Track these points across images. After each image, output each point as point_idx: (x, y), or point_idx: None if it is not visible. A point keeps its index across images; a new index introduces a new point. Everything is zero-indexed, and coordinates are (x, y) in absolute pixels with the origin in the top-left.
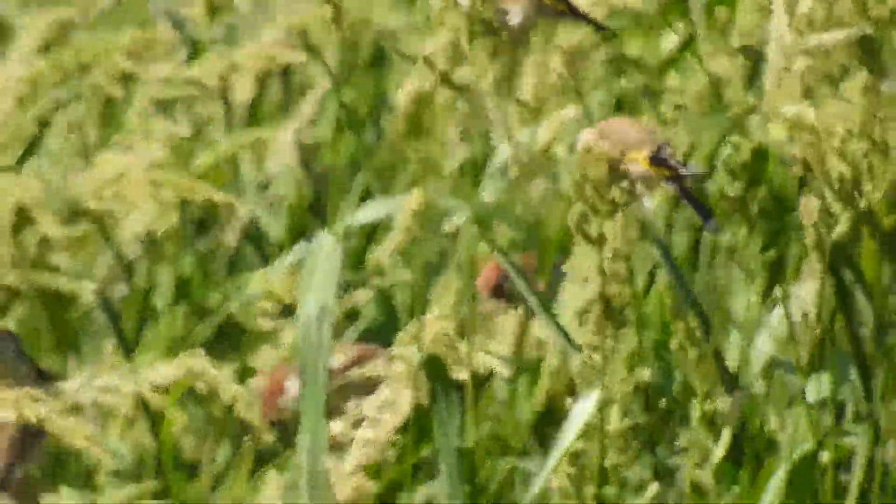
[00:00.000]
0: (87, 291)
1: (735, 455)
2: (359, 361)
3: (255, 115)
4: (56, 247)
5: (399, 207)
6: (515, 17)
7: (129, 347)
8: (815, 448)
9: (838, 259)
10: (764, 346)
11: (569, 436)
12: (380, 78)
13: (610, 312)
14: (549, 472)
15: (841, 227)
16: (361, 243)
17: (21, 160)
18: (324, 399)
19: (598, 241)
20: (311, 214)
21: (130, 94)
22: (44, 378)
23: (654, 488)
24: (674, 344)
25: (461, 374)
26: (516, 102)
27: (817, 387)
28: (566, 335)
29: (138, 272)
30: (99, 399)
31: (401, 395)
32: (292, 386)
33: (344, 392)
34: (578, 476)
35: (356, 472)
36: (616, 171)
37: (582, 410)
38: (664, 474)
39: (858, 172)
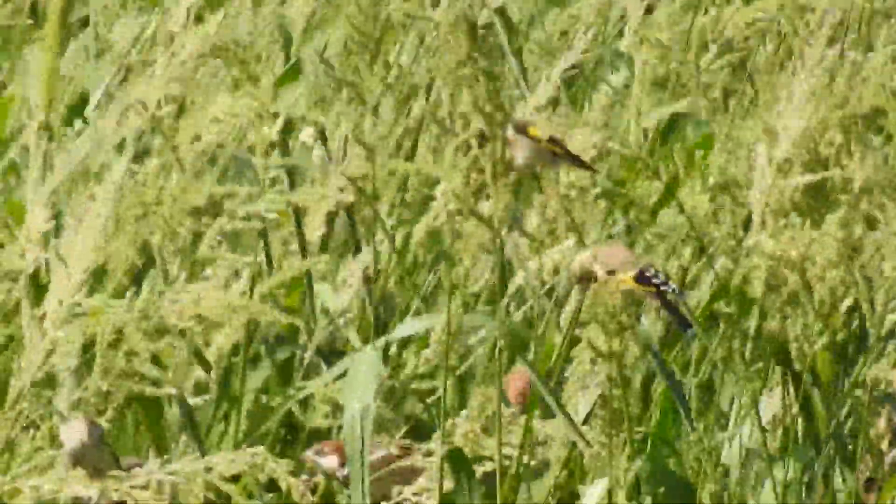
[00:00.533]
0: (167, 395)
1: None
2: (402, 455)
3: (324, 247)
4: (144, 359)
5: (434, 323)
6: (520, 159)
7: (202, 442)
8: None
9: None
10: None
11: None
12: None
13: (614, 414)
14: None
15: (822, 342)
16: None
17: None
18: (366, 477)
19: (610, 356)
20: (374, 329)
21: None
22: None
23: None
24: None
25: (486, 467)
26: (525, 234)
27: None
28: (580, 433)
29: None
30: (170, 480)
31: (434, 483)
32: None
33: (391, 479)
34: None
35: None
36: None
37: (594, 493)
38: None
39: (836, 297)
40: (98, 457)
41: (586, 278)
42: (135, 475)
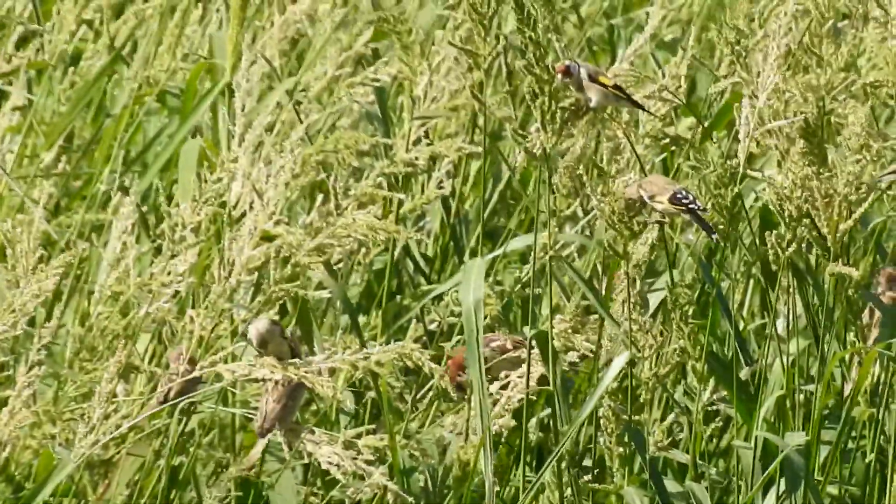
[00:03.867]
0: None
1: None
2: (515, 347)
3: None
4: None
5: (537, 239)
6: (593, 101)
7: (361, 336)
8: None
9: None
10: None
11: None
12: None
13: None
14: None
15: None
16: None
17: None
18: (481, 357)
19: (624, 256)
20: (452, 241)
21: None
22: (298, 354)
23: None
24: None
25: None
26: (596, 166)
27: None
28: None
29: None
30: (337, 366)
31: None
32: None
33: (502, 365)
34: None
35: (505, 414)
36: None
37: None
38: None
39: (801, 213)
40: (278, 347)
41: (633, 202)
42: (308, 361)
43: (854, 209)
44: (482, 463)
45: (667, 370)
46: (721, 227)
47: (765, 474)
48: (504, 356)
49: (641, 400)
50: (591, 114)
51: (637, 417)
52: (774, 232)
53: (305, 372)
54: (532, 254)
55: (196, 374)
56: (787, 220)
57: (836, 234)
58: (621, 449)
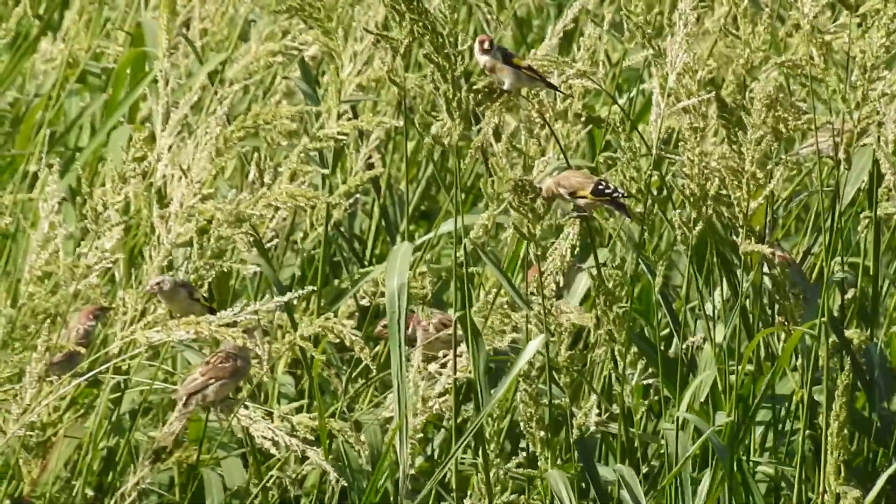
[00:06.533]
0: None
1: None
2: (446, 326)
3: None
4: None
5: (474, 222)
6: (507, 84)
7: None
8: None
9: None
10: None
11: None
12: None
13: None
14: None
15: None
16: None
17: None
18: (403, 339)
19: (531, 237)
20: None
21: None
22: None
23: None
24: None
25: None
26: (514, 148)
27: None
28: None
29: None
30: (246, 321)
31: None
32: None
33: (436, 344)
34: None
35: (442, 395)
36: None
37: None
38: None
39: (704, 192)
40: (186, 307)
41: (552, 197)
42: (220, 317)
43: (763, 187)
44: (397, 445)
45: (595, 353)
46: (639, 210)
47: (685, 456)
48: (437, 335)
49: (561, 383)
50: (505, 95)
51: (558, 401)
52: (678, 212)
53: (217, 327)
54: (454, 240)
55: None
56: (689, 199)
57: (745, 213)
58: (543, 433)
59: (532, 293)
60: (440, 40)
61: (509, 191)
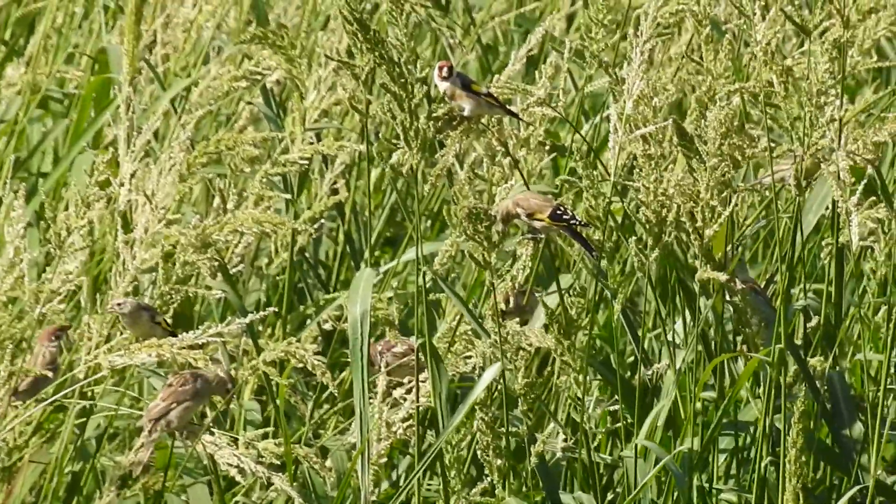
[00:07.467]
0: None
1: None
2: (410, 352)
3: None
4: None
5: (438, 248)
6: (467, 110)
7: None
8: None
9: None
10: None
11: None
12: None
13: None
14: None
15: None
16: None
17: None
18: (365, 365)
19: (486, 265)
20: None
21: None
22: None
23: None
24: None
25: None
26: (476, 176)
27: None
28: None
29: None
30: (208, 341)
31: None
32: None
33: (402, 370)
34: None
35: (406, 420)
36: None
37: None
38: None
39: (662, 219)
40: (148, 331)
41: (509, 219)
42: (181, 339)
43: (719, 214)
44: (358, 470)
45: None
46: (596, 238)
47: (643, 482)
48: (401, 361)
49: (519, 412)
50: (465, 123)
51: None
52: (633, 238)
53: (179, 349)
54: (416, 267)
55: (46, 372)
56: (644, 226)
57: (702, 239)
58: (500, 461)
59: (492, 318)
60: (397, 70)
61: (463, 219)
